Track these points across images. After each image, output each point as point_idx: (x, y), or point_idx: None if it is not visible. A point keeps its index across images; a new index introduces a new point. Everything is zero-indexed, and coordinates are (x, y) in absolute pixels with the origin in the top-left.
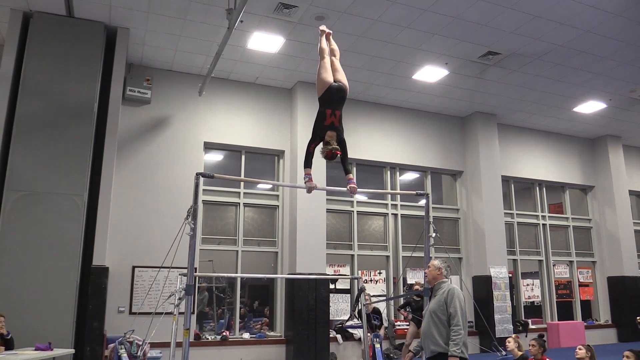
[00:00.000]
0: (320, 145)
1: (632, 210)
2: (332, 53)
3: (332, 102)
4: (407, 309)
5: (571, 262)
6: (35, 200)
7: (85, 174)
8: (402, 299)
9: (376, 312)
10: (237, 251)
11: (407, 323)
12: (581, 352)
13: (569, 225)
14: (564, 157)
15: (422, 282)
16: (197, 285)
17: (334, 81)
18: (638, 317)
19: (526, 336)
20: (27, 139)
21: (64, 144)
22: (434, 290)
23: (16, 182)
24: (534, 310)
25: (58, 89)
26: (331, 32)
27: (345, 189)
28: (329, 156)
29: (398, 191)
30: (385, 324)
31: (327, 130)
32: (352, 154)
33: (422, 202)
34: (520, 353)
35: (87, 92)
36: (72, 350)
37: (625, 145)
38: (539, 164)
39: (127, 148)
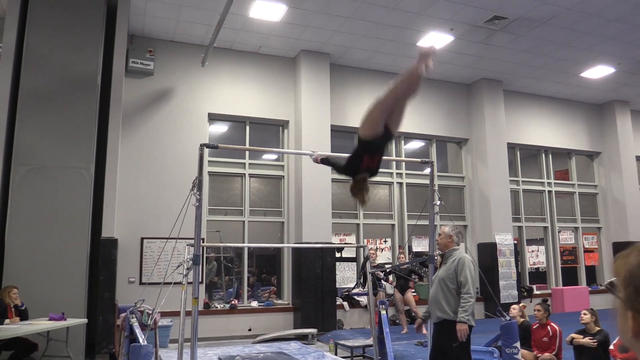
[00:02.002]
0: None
1: (639, 176)
2: (408, 91)
3: (375, 149)
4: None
5: (576, 228)
6: (43, 174)
7: (91, 147)
8: (407, 266)
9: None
10: (244, 221)
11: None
12: (586, 316)
13: (575, 192)
14: (571, 123)
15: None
16: (205, 255)
17: (389, 130)
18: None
19: (530, 301)
20: (32, 112)
21: (69, 116)
22: (445, 257)
23: (23, 156)
24: (539, 276)
25: (61, 61)
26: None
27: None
28: (356, 196)
29: (403, 158)
30: (391, 291)
31: (362, 173)
32: (356, 123)
33: (427, 170)
34: (522, 320)
35: (89, 63)
36: (85, 320)
37: (633, 111)
38: (545, 130)
39: (131, 120)
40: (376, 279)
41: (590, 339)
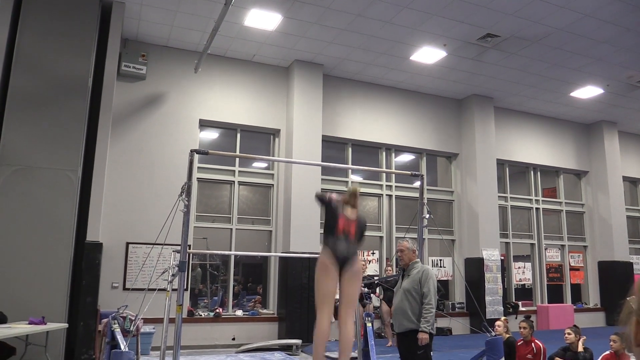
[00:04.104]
0: None
1: (625, 196)
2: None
3: None
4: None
5: (563, 246)
6: (29, 175)
7: (79, 149)
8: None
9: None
10: (231, 229)
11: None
12: (570, 336)
13: (562, 210)
14: (560, 141)
15: (392, 266)
16: (190, 262)
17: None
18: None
19: (516, 318)
20: (20, 113)
21: (58, 118)
22: (407, 269)
23: (9, 156)
24: (525, 292)
25: (52, 63)
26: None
27: (339, 165)
28: None
29: (393, 170)
30: (377, 303)
31: None
32: (347, 134)
33: (417, 183)
34: (507, 336)
35: (81, 66)
36: (66, 325)
37: (621, 132)
38: (534, 148)
39: (121, 124)
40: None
41: None
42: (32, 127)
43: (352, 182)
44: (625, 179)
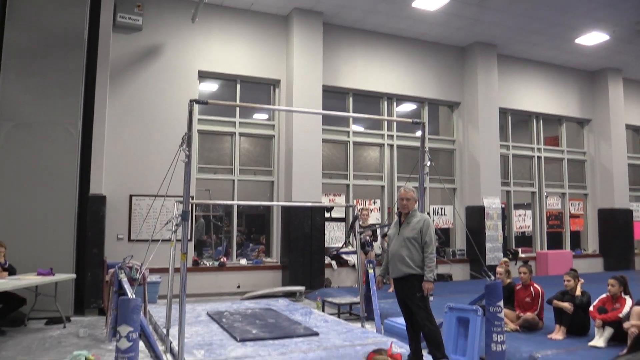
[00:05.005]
0: None
1: (627, 144)
2: None
3: None
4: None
5: (563, 194)
6: (29, 130)
7: (78, 103)
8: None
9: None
10: (234, 180)
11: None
12: (570, 283)
13: (564, 158)
14: (563, 89)
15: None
16: (194, 213)
17: None
18: None
19: (515, 264)
20: (17, 68)
21: (55, 72)
22: (408, 217)
23: (8, 111)
24: (525, 240)
25: (46, 15)
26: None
27: (340, 113)
28: None
29: (394, 118)
30: (379, 251)
31: None
32: (348, 83)
33: (418, 133)
34: (508, 281)
35: (76, 18)
36: (74, 276)
37: (626, 79)
38: (537, 96)
39: (119, 76)
40: (365, 241)
41: (569, 304)
42: (29, 81)
43: (352, 131)
44: (628, 126)
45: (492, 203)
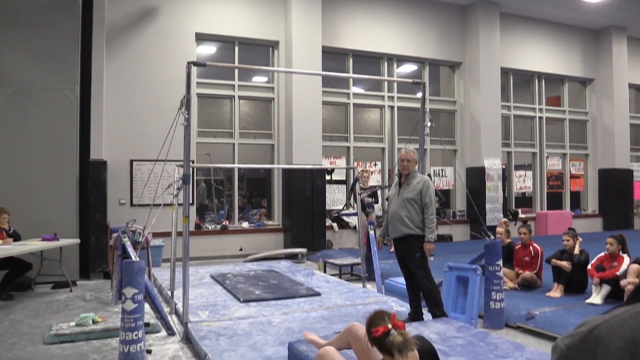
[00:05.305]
0: None
1: (630, 104)
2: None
3: None
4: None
5: (564, 154)
6: (27, 96)
7: (75, 68)
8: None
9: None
10: (234, 144)
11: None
12: (569, 242)
13: (565, 118)
14: (566, 48)
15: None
16: (195, 177)
17: None
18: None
19: (515, 224)
20: (11, 34)
21: (51, 37)
22: (408, 178)
23: (5, 78)
24: (525, 200)
25: None
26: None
27: (340, 74)
28: None
29: (395, 78)
30: (379, 212)
31: None
32: (348, 44)
33: (419, 94)
34: (508, 240)
35: None
36: (78, 240)
37: (630, 37)
38: (539, 55)
39: (116, 40)
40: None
41: (567, 263)
42: (24, 47)
43: (352, 93)
44: (631, 85)
45: (493, 164)
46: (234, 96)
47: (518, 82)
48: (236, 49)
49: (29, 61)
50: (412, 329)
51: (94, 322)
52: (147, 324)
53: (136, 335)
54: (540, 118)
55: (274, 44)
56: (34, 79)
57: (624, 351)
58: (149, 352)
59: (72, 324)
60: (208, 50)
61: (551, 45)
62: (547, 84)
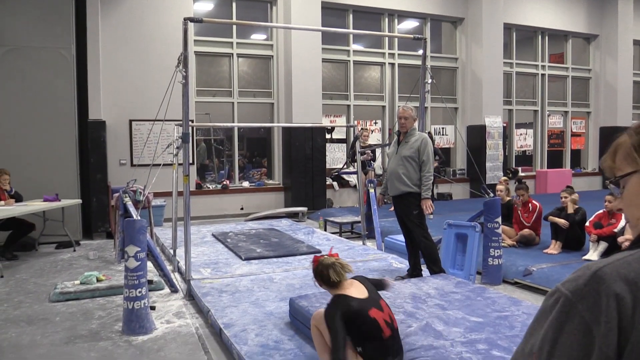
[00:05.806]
0: None
1: (634, 61)
2: None
3: None
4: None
5: (566, 112)
6: (23, 55)
7: (70, 27)
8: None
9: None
10: (233, 103)
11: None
12: (566, 199)
13: (568, 76)
14: (571, 4)
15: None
16: (194, 137)
17: None
18: None
19: (515, 183)
20: None
21: None
22: (406, 135)
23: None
24: (525, 159)
25: None
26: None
27: (340, 30)
28: None
29: (395, 34)
30: (379, 171)
31: None
32: None
33: (420, 51)
34: (508, 198)
35: None
36: (79, 201)
37: None
38: (543, 10)
39: None
40: (366, 161)
41: (564, 220)
42: (18, 5)
43: (353, 51)
44: (636, 42)
45: (494, 122)
46: (232, 54)
47: (521, 38)
48: (234, 5)
49: (24, 20)
50: (411, 285)
51: (98, 280)
52: (150, 282)
53: (140, 292)
54: (543, 75)
55: (272, 0)
56: (29, 37)
57: (626, 292)
58: (152, 308)
59: (77, 282)
60: (205, 7)
61: (555, 0)
62: (551, 40)
